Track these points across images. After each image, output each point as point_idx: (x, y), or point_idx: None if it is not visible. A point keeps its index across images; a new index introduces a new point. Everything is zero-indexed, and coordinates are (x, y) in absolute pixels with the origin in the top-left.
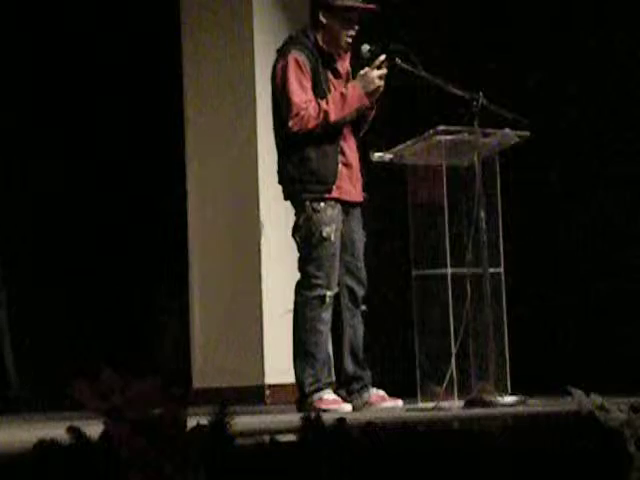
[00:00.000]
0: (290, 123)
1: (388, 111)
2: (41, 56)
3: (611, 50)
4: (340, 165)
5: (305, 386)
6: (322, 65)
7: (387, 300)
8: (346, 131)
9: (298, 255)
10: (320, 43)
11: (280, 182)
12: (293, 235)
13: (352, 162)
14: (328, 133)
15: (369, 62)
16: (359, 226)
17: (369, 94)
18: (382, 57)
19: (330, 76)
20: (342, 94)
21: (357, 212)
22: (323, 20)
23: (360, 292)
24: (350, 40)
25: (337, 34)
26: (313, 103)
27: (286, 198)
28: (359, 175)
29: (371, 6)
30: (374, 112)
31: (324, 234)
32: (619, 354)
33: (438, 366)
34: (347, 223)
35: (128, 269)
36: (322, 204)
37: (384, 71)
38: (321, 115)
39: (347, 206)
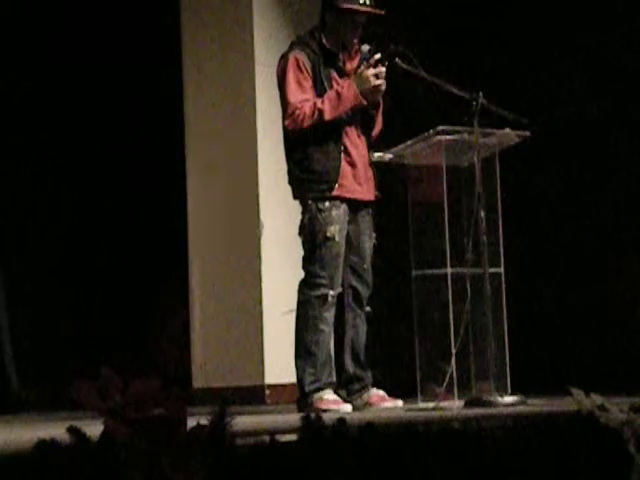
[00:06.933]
0: (286, 122)
1: (388, 111)
2: (40, 56)
3: (612, 48)
4: (344, 163)
5: (305, 385)
6: (325, 64)
7: (387, 300)
8: (351, 130)
9: (303, 254)
10: (325, 43)
11: (288, 182)
12: (299, 234)
13: (357, 161)
14: (329, 132)
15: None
16: (368, 227)
17: (365, 93)
18: (377, 56)
19: (334, 75)
20: (338, 93)
21: (366, 212)
22: (329, 21)
23: (364, 293)
24: (355, 41)
25: (342, 35)
26: (310, 102)
27: (294, 198)
28: (369, 174)
29: (377, 10)
30: (381, 110)
31: (328, 234)
32: (619, 354)
33: (438, 366)
34: (355, 223)
35: (128, 269)
36: (327, 203)
37: (380, 69)
38: (316, 113)
39: (354, 205)
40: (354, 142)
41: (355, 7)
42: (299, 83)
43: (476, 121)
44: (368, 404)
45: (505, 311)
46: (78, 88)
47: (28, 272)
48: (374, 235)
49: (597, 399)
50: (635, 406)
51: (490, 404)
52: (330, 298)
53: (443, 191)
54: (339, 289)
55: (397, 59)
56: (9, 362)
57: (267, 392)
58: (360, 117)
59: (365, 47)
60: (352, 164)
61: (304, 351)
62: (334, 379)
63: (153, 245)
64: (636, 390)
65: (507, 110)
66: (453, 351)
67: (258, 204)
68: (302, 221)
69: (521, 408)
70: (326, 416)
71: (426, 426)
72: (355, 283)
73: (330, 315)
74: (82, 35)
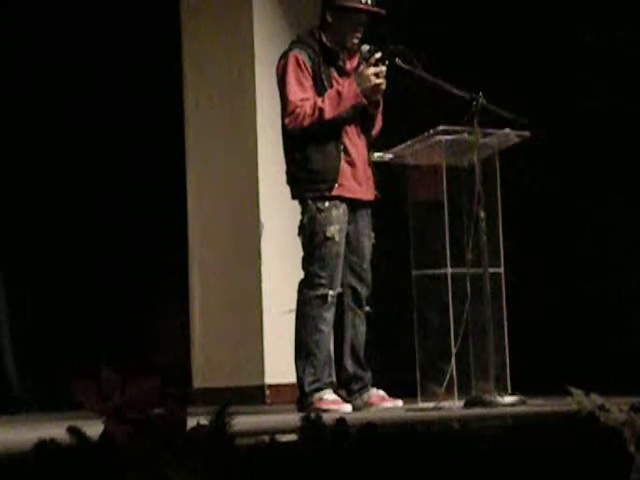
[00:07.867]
0: (286, 120)
1: (388, 111)
2: (39, 56)
3: (611, 47)
4: (343, 163)
5: (305, 385)
6: (325, 63)
7: (387, 300)
8: (351, 130)
9: (302, 254)
10: (325, 42)
11: (287, 182)
12: (298, 234)
13: (357, 161)
14: (328, 131)
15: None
16: (367, 226)
17: (366, 92)
18: (377, 55)
19: (334, 74)
20: (338, 91)
21: (365, 212)
22: (329, 20)
23: (364, 293)
24: (356, 41)
25: (343, 34)
26: (310, 101)
27: (293, 198)
28: (368, 174)
29: (377, 9)
30: (380, 110)
31: (328, 234)
32: (619, 354)
33: (438, 366)
34: (354, 223)
35: (128, 269)
36: (326, 203)
37: (380, 68)
38: (316, 112)
39: (354, 205)
40: (354, 142)
41: (355, 5)
42: (299, 81)
43: (476, 121)
44: (368, 404)
45: (505, 311)
46: (78, 88)
47: (28, 272)
48: (372, 235)
49: (597, 399)
50: (635, 406)
51: (490, 404)
52: (330, 298)
53: (443, 191)
54: (339, 289)
55: (397, 59)
56: (9, 362)
57: (267, 392)
58: (360, 116)
59: (365, 47)
60: (351, 164)
61: (304, 351)
62: (334, 379)
63: (153, 245)
64: (636, 390)
65: (507, 110)
66: (453, 351)
67: (258, 204)
68: (302, 221)
69: (521, 408)
70: (326, 416)
71: (426, 426)
72: (354, 283)
73: (330, 315)
74: (83, 35)
